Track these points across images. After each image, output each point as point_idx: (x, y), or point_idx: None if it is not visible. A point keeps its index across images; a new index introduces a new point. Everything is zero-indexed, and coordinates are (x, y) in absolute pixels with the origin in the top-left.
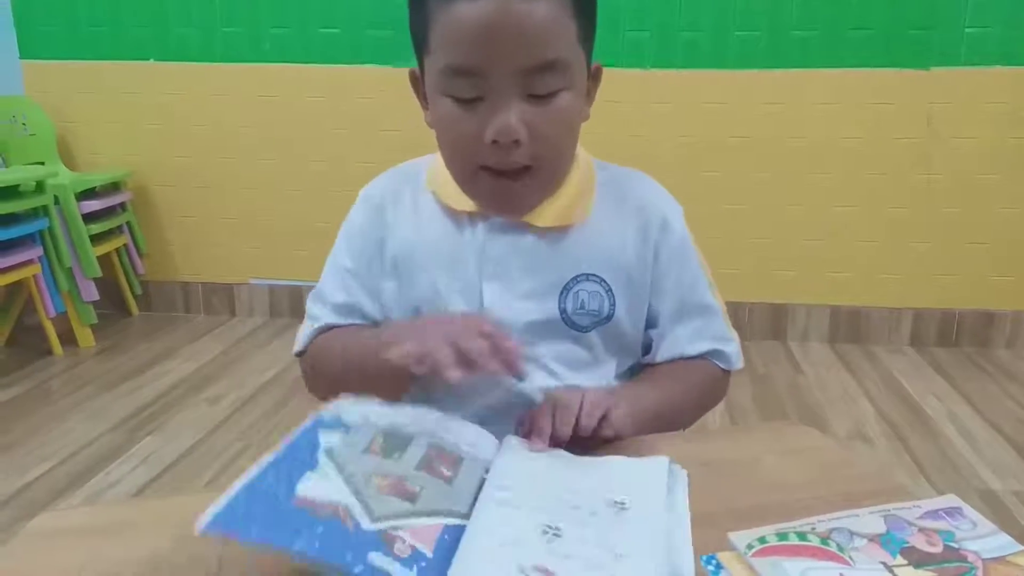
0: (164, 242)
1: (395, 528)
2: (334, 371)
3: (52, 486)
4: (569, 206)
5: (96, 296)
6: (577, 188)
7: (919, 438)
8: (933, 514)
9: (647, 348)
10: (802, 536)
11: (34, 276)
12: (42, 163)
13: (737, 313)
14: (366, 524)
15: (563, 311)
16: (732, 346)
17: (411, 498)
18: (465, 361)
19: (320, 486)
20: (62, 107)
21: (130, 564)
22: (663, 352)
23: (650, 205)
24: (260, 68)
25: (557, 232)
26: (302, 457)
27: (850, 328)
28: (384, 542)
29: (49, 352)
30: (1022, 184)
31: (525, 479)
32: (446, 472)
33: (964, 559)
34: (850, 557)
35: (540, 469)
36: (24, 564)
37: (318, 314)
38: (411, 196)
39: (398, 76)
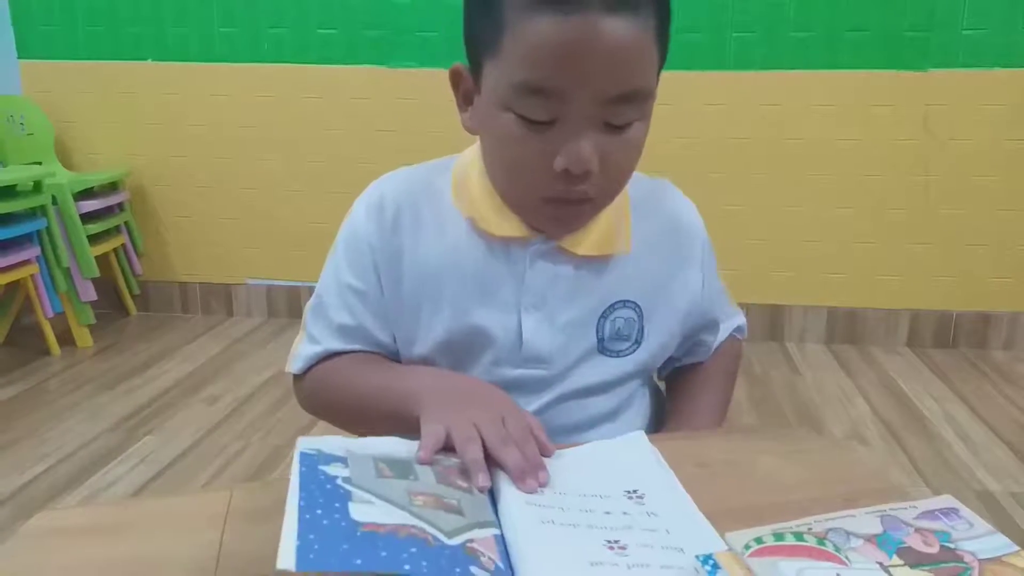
0: (162, 242)
1: (469, 541)
2: (345, 407)
3: (50, 486)
4: (609, 232)
5: (94, 296)
6: (616, 213)
7: (916, 439)
8: (929, 514)
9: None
10: (799, 536)
11: (32, 276)
12: (40, 163)
13: None
14: (445, 540)
15: (600, 340)
16: (741, 317)
17: (458, 511)
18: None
19: (372, 511)
20: (60, 107)
21: (128, 564)
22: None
23: (682, 223)
24: (258, 68)
25: (597, 260)
26: (327, 492)
27: (847, 329)
28: (471, 556)
29: (47, 352)
30: (1019, 186)
31: (547, 494)
32: (462, 484)
33: (960, 559)
34: (847, 557)
35: (551, 480)
36: (22, 564)
37: (318, 336)
38: (433, 211)
39: (395, 76)
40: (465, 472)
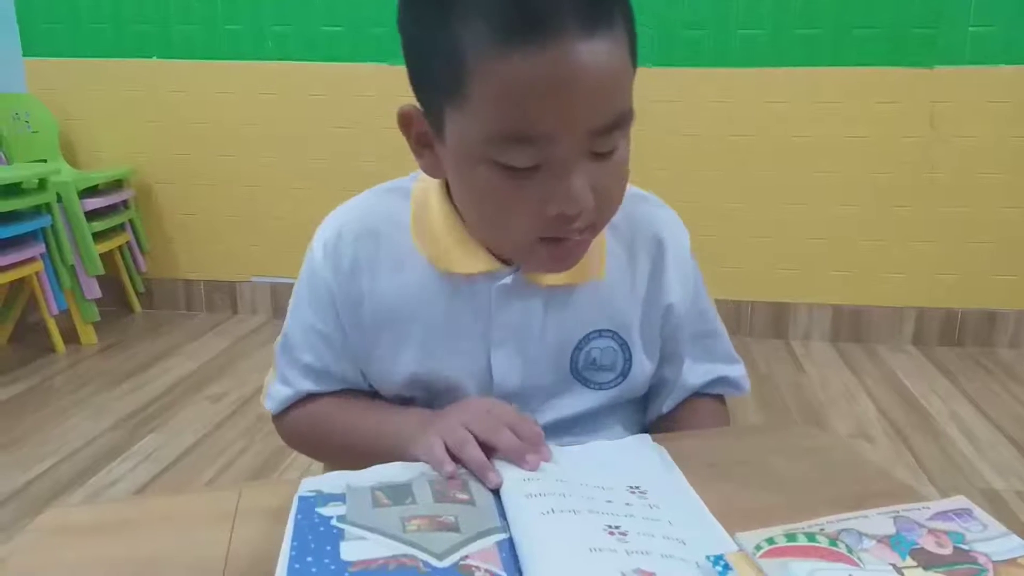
0: (166, 240)
1: (463, 558)
2: (329, 447)
3: (54, 483)
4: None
5: (98, 294)
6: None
7: (921, 438)
8: (943, 515)
9: (651, 390)
10: (811, 537)
11: (36, 274)
12: (45, 160)
13: (739, 312)
14: (436, 563)
15: (575, 370)
16: (738, 369)
17: (453, 528)
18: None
19: (363, 548)
20: (65, 104)
21: (136, 563)
22: (675, 392)
23: (660, 244)
24: (262, 66)
25: (566, 288)
26: (320, 535)
27: (852, 327)
28: (464, 574)
29: (51, 349)
30: None
31: (546, 482)
32: (463, 496)
33: (975, 561)
34: (859, 558)
35: (550, 468)
36: (30, 561)
37: (290, 377)
38: (392, 248)
39: (400, 74)
40: (464, 484)
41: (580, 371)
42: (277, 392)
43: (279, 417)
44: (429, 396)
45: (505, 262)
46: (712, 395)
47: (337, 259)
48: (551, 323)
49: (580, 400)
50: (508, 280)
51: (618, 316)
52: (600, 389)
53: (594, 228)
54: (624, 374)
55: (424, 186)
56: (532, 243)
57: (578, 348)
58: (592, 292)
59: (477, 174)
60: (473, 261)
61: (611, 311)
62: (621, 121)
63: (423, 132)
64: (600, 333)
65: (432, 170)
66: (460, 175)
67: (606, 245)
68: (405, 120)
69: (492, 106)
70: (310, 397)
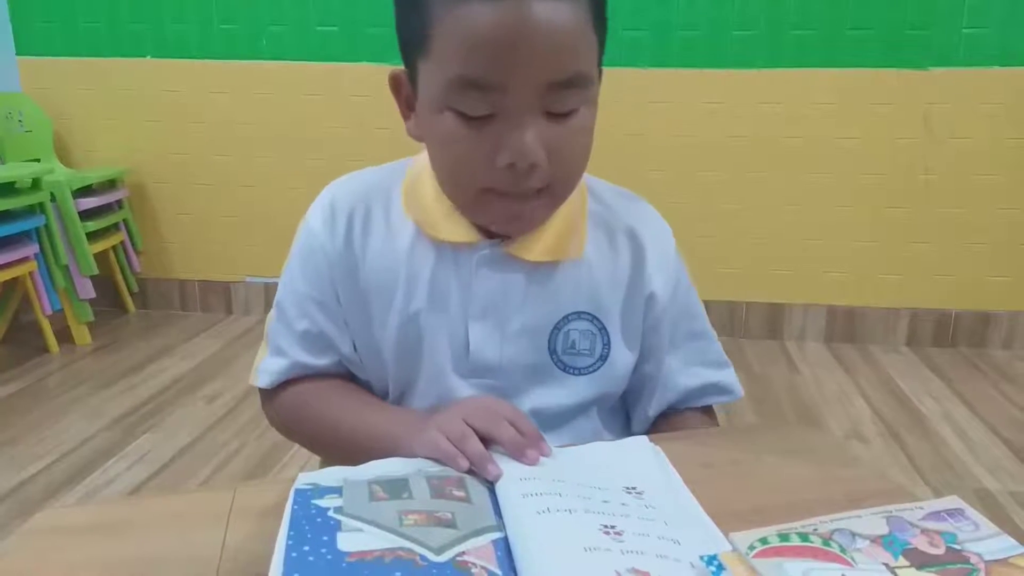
0: (161, 240)
1: (460, 555)
2: (319, 438)
3: (48, 484)
4: (561, 237)
5: (92, 294)
6: (569, 218)
7: (915, 438)
8: (935, 515)
9: (633, 387)
10: (804, 537)
11: (30, 273)
12: (38, 160)
13: (734, 312)
14: (433, 557)
15: (552, 351)
16: (729, 372)
17: (450, 524)
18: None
19: (360, 539)
20: (59, 104)
21: (131, 563)
22: (659, 392)
23: (642, 236)
24: (257, 65)
25: (548, 267)
26: (317, 525)
27: (847, 328)
28: (460, 570)
29: (45, 349)
30: (1019, 184)
31: (542, 481)
32: (459, 494)
33: (967, 561)
34: (852, 558)
35: (547, 468)
36: (24, 563)
37: (284, 347)
38: (384, 217)
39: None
40: (460, 481)
41: (559, 354)
42: (269, 365)
43: (269, 397)
44: (406, 368)
45: (489, 236)
46: (700, 408)
47: (333, 226)
48: (531, 300)
49: (559, 390)
50: (487, 251)
51: (598, 299)
52: (579, 375)
53: (551, 192)
54: (603, 358)
55: (417, 166)
56: (485, 194)
57: (557, 328)
58: (573, 274)
59: (439, 121)
60: (458, 230)
61: (591, 294)
62: (577, 81)
63: (409, 95)
64: (579, 315)
65: (415, 131)
66: (428, 127)
67: (587, 231)
68: (395, 83)
69: (450, 52)
70: (301, 380)
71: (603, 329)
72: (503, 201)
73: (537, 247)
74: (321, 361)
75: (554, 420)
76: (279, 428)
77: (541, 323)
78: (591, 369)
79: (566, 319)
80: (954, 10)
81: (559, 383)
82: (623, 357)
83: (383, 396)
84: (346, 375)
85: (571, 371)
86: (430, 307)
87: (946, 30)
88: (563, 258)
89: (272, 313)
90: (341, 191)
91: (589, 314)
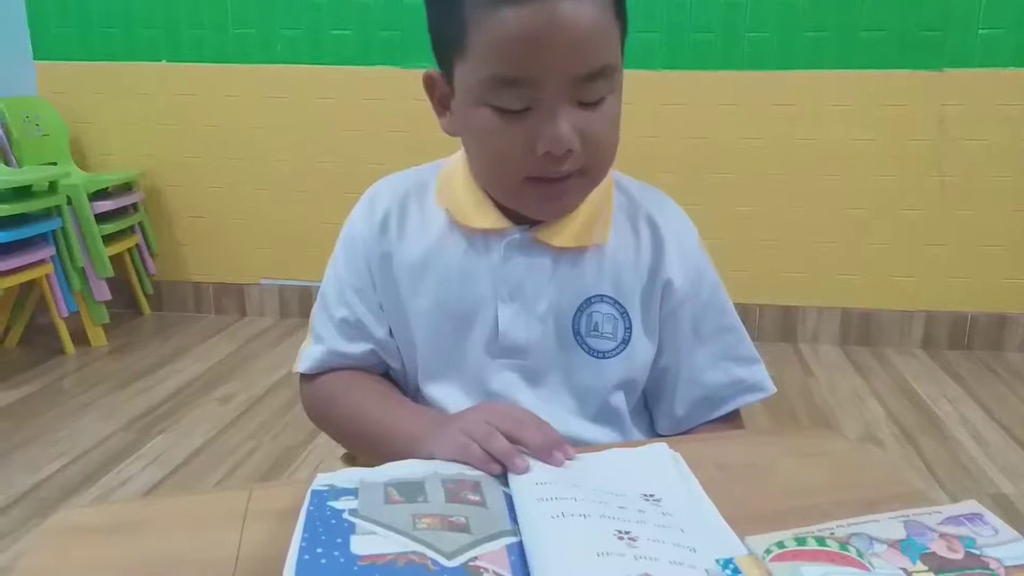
0: (176, 242)
1: (472, 559)
2: (345, 430)
3: (64, 484)
4: (587, 225)
5: (108, 296)
6: (595, 207)
7: (930, 441)
8: (954, 520)
9: (654, 384)
10: (821, 541)
11: (47, 276)
12: (55, 163)
13: (747, 315)
14: (445, 562)
15: (576, 332)
16: (759, 368)
17: (464, 529)
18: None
19: (373, 542)
20: (75, 108)
21: (147, 564)
22: (684, 387)
23: (663, 226)
24: (271, 69)
25: (574, 252)
26: (331, 527)
27: (861, 330)
28: (472, 574)
29: (61, 351)
30: None
31: (559, 486)
32: (474, 498)
33: (986, 566)
34: (869, 563)
35: (564, 473)
36: (41, 562)
37: (323, 334)
38: (419, 209)
39: (409, 77)
40: (477, 486)
41: (583, 335)
42: (309, 352)
43: (306, 382)
44: (442, 351)
45: (517, 223)
46: (726, 417)
47: (371, 218)
48: (557, 283)
49: (584, 371)
50: (516, 236)
51: (620, 284)
52: (603, 358)
53: (585, 174)
54: (625, 342)
55: (452, 163)
56: (524, 183)
57: (580, 310)
58: (598, 258)
59: (477, 116)
60: (485, 218)
61: (614, 278)
62: (605, 72)
63: (444, 94)
64: (602, 298)
65: (451, 127)
66: (465, 121)
67: (612, 216)
68: (429, 83)
69: (486, 53)
70: (333, 371)
71: (624, 313)
72: (543, 186)
73: (564, 233)
74: (355, 349)
75: (585, 395)
76: (311, 417)
77: (565, 305)
78: (614, 353)
79: (588, 301)
80: (969, 11)
81: (584, 366)
82: (643, 343)
83: (415, 380)
84: (377, 367)
85: (595, 354)
86: (461, 291)
87: (961, 31)
88: (588, 244)
89: (316, 302)
90: (382, 186)
91: (611, 298)
